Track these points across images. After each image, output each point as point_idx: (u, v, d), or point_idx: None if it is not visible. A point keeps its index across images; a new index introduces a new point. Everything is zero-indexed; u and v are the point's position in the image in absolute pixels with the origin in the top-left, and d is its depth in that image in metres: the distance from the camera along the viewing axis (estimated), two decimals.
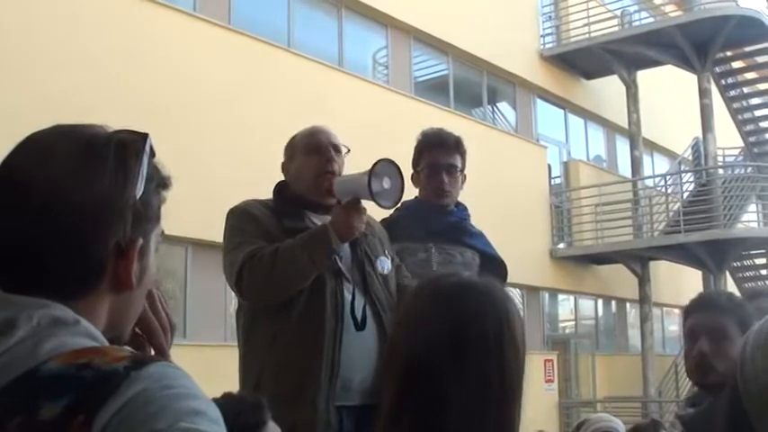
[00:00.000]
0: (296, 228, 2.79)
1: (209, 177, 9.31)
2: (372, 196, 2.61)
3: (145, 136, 1.05)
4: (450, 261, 3.22)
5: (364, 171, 2.63)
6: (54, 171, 0.98)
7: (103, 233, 0.98)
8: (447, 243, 3.27)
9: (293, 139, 3.00)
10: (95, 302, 1.00)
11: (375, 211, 2.88)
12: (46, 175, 0.98)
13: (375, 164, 2.62)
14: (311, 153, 2.90)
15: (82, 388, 0.86)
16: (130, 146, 1.03)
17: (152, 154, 1.05)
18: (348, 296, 2.76)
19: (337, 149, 2.92)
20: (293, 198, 2.91)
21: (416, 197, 3.36)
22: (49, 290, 0.96)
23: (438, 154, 3.31)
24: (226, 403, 2.20)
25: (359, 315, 2.74)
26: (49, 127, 1.05)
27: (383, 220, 3.20)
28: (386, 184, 2.63)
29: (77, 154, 1.00)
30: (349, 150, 2.97)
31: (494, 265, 3.30)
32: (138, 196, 1.00)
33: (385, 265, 2.89)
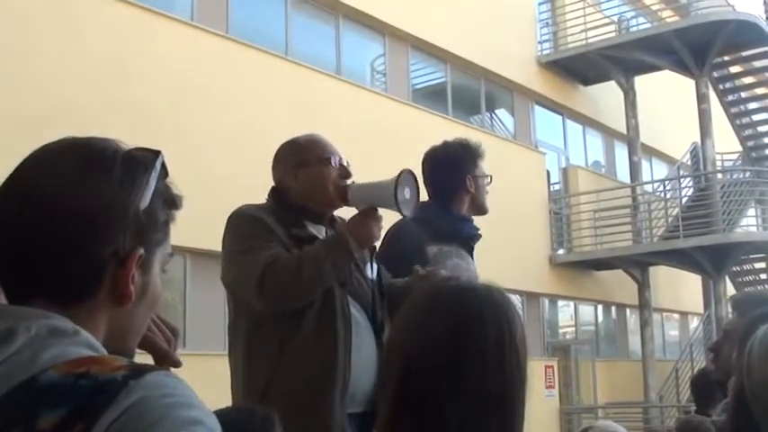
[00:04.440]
0: (302, 236, 2.78)
1: (208, 186, 9.30)
2: (398, 205, 2.67)
3: (157, 153, 1.07)
4: (469, 269, 3.26)
5: (388, 180, 2.69)
6: (56, 177, 1.00)
7: (101, 238, 0.99)
8: (465, 250, 3.34)
9: (297, 146, 2.96)
10: (94, 312, 1.00)
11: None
12: (48, 181, 1.00)
13: (401, 173, 2.68)
14: (326, 163, 2.88)
15: (80, 397, 0.86)
16: (139, 159, 1.04)
17: (165, 173, 1.07)
18: (352, 307, 2.77)
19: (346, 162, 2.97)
20: (294, 206, 2.89)
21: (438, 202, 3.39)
22: (47, 297, 0.97)
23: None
24: (235, 414, 2.17)
25: (376, 319, 2.81)
26: (61, 138, 1.07)
27: (413, 219, 3.23)
28: (407, 194, 2.70)
29: (82, 162, 1.01)
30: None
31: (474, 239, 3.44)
32: (142, 207, 1.01)
33: (373, 270, 2.90)
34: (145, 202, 1.02)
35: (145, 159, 1.05)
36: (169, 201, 1.08)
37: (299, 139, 2.99)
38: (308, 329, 2.69)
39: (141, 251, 1.02)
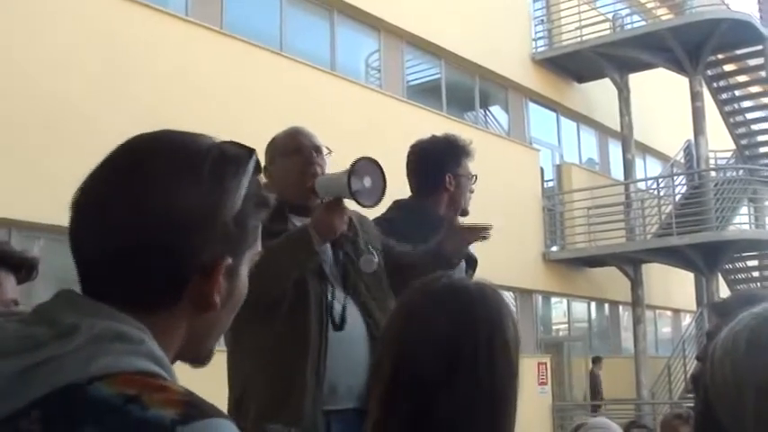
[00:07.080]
0: (281, 231, 2.72)
1: None
2: (352, 195, 2.56)
3: (251, 151, 1.01)
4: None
5: (345, 169, 2.59)
6: (143, 180, 0.94)
7: (188, 248, 0.93)
8: None
9: (273, 141, 2.94)
10: (173, 319, 0.95)
11: (371, 211, 2.87)
12: (133, 183, 0.94)
13: (355, 162, 2.57)
14: (292, 154, 2.85)
15: (123, 426, 0.82)
16: (231, 160, 0.98)
17: (257, 171, 1.01)
18: (337, 301, 2.70)
19: (318, 151, 2.87)
20: (278, 200, 2.85)
21: (422, 200, 3.28)
22: (126, 301, 0.92)
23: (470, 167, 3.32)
24: None
25: (338, 316, 2.68)
26: (151, 132, 1.01)
27: (381, 219, 3.16)
28: (367, 182, 2.57)
29: (170, 164, 0.95)
30: (331, 152, 2.92)
31: (471, 263, 3.25)
32: (232, 214, 0.95)
33: (371, 262, 2.81)
34: (235, 207, 0.96)
35: (237, 159, 0.99)
36: (260, 202, 1.01)
37: (279, 133, 2.97)
38: (281, 323, 2.63)
39: (229, 260, 0.96)
